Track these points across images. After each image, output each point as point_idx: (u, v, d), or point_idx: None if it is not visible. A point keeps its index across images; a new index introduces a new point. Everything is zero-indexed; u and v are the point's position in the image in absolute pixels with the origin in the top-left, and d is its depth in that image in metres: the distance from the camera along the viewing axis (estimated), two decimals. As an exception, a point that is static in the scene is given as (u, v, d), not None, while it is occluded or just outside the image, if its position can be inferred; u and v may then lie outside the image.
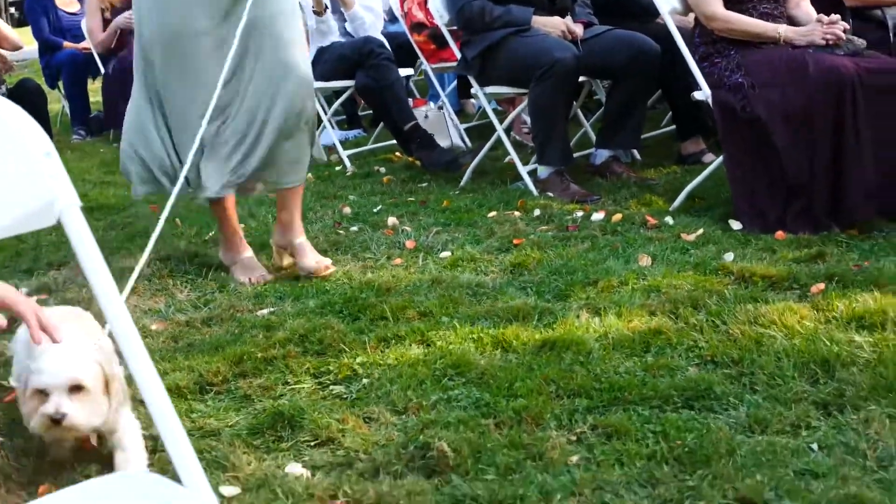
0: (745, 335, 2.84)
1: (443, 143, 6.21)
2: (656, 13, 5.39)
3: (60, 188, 1.24)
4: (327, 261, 3.84)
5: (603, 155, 5.55)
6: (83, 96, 9.02)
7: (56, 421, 2.07)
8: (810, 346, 2.70)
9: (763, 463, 2.15)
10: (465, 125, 7.09)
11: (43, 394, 2.09)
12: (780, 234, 3.93)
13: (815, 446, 2.22)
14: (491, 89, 5.41)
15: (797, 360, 2.64)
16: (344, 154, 6.30)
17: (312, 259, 3.81)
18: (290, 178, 3.80)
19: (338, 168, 6.24)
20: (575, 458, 2.24)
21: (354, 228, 4.56)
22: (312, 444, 2.41)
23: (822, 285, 3.21)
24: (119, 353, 1.84)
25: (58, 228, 3.91)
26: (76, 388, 2.10)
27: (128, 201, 5.47)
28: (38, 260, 4.32)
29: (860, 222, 3.95)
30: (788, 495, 2.02)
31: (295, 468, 2.27)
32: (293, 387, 2.74)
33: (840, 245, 3.75)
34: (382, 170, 6.01)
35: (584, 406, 2.48)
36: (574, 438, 2.34)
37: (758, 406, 2.43)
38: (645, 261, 3.69)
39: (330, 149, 6.54)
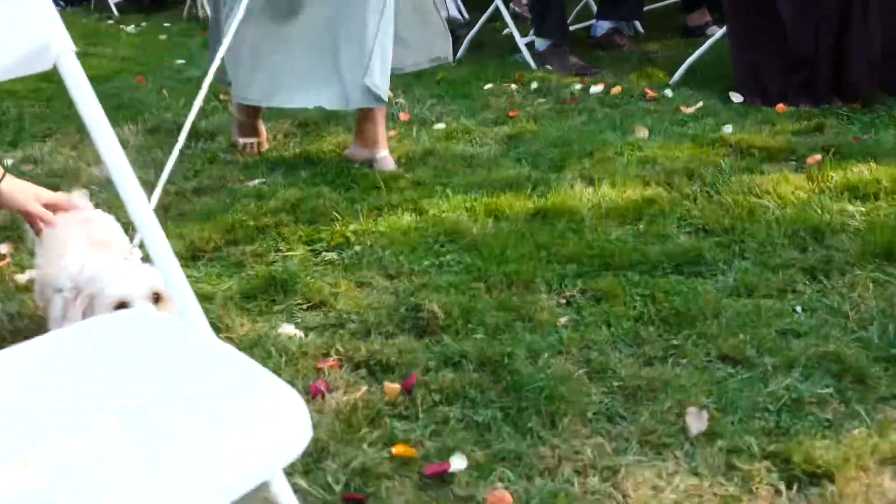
0: (738, 204, 2.95)
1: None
2: None
3: (56, 32, 1.30)
4: None
5: (604, 27, 5.57)
6: (61, -36, 8.92)
7: None
8: (802, 215, 2.82)
9: (747, 324, 2.28)
10: (463, -4, 7.05)
11: (121, 308, 1.84)
12: (780, 106, 4.00)
13: (799, 308, 2.35)
14: (489, -44, 5.39)
15: (788, 228, 2.75)
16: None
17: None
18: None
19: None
20: (563, 320, 2.36)
21: (347, 101, 4.61)
22: (305, 307, 2.53)
23: (818, 156, 3.31)
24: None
25: (41, 100, 3.95)
26: (157, 298, 1.90)
27: (112, 72, 5.52)
28: (22, 131, 4.38)
29: (863, 96, 4.02)
30: (769, 353, 2.15)
31: (288, 329, 2.40)
32: (285, 254, 2.85)
33: (841, 118, 3.84)
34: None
35: (575, 271, 2.60)
36: (563, 301, 2.47)
37: (746, 271, 2.55)
38: (642, 132, 3.77)
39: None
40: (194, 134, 4.13)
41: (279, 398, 1.04)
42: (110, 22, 7.94)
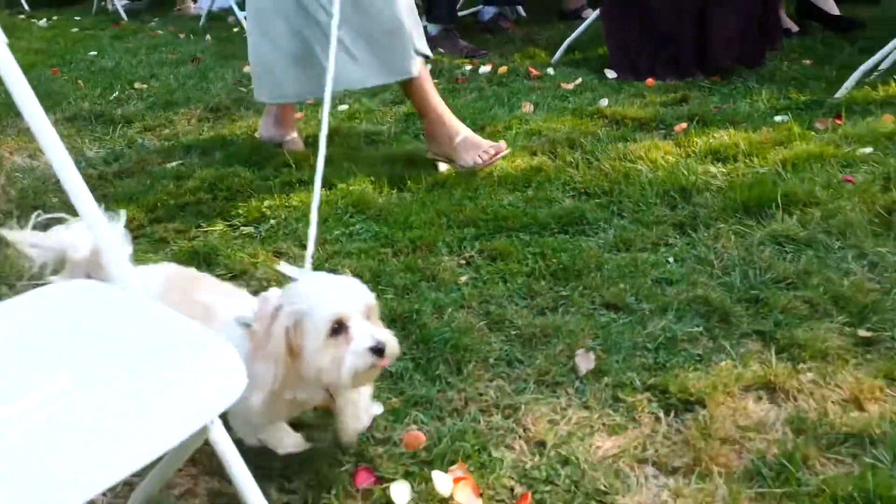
0: (615, 169, 3.04)
1: (337, 3, 6.15)
2: None
3: (-15, 26, 1.28)
4: (499, 144, 3.16)
5: (490, 12, 5.63)
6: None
7: (379, 351, 1.51)
8: (671, 177, 2.92)
9: (626, 274, 2.38)
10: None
11: (337, 328, 1.51)
12: (649, 81, 4.13)
13: (671, 259, 2.46)
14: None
15: (659, 188, 2.86)
16: (241, 15, 6.20)
17: (473, 154, 3.13)
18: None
19: (236, 30, 6.16)
20: (464, 278, 2.42)
21: (255, 86, 4.57)
22: (227, 276, 2.52)
23: (684, 124, 3.44)
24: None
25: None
26: (368, 313, 1.57)
27: (27, 64, 5.35)
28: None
29: (722, 70, 4.17)
30: (646, 299, 2.25)
31: (213, 298, 2.39)
32: (206, 229, 2.84)
33: (703, 90, 3.98)
34: (279, 30, 5.95)
35: (472, 234, 2.65)
36: (463, 262, 2.53)
37: (624, 229, 2.65)
38: (528, 108, 3.85)
39: (226, 11, 6.43)
40: (111, 121, 4.07)
41: (214, 350, 1.07)
42: (21, 16, 7.67)
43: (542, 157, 3.23)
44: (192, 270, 1.87)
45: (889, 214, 2.57)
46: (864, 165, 2.94)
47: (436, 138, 3.21)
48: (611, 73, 4.30)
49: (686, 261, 2.44)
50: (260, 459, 1.73)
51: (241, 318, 1.58)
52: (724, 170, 2.99)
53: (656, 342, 2.06)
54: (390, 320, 2.20)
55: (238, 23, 6.19)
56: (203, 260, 2.60)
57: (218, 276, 2.51)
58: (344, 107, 4.07)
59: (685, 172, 2.94)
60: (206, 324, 1.52)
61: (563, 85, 4.17)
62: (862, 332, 2.04)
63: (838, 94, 3.73)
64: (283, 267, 1.62)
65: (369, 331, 1.51)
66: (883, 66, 3.96)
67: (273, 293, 1.59)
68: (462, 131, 3.17)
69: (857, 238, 2.46)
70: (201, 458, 1.76)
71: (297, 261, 2.57)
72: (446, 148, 3.17)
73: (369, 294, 1.57)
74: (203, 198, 3.04)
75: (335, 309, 1.50)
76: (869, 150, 3.06)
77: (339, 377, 1.51)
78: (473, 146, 3.13)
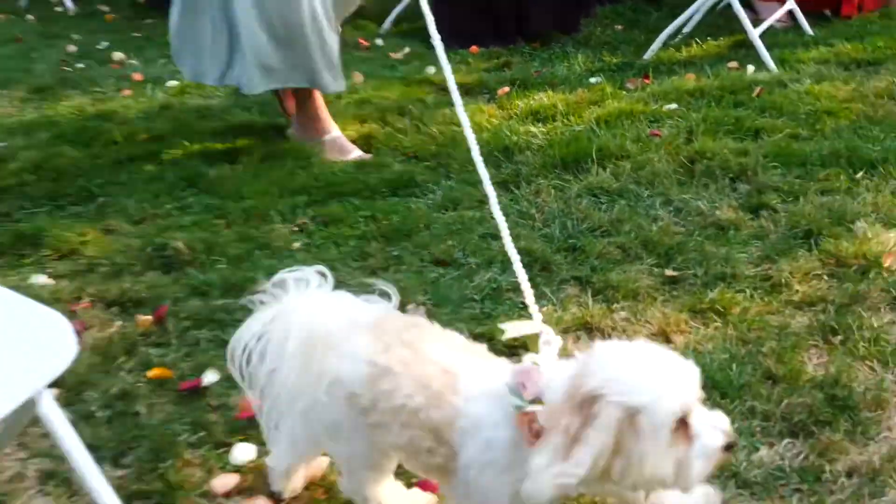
0: (442, 134, 3.05)
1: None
2: None
3: None
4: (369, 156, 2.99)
5: (319, -15, 5.52)
6: None
7: (730, 447, 1.19)
8: (495, 138, 2.96)
9: (454, 231, 2.39)
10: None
11: (679, 425, 1.15)
12: (474, 48, 4.15)
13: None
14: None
15: (484, 150, 2.86)
16: (65, -4, 5.86)
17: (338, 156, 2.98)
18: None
19: (58, 9, 5.81)
20: (297, 244, 2.38)
21: (81, 65, 4.34)
22: (55, 257, 2.39)
23: (507, 88, 3.49)
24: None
25: None
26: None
27: None
28: None
29: (542, 37, 4.24)
30: (473, 253, 2.27)
31: (39, 279, 2.26)
32: (31, 211, 2.67)
33: (524, 55, 4.04)
34: (105, 8, 5.67)
35: (305, 201, 2.61)
36: (296, 229, 2.48)
37: (451, 189, 2.66)
38: (358, 78, 3.80)
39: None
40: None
41: (40, 320, 1.01)
42: None
43: (372, 124, 3.21)
44: (397, 314, 1.51)
45: (692, 164, 2.69)
46: (670, 120, 3.06)
47: (307, 130, 3.08)
48: (437, 42, 4.31)
49: (510, 216, 2.47)
50: (95, 433, 1.66)
51: (513, 400, 1.22)
52: (543, 129, 3.05)
53: (483, 293, 2.09)
54: (224, 290, 2.14)
55: (62, 2, 5.84)
56: (29, 241, 2.45)
57: (45, 257, 2.39)
58: (174, 83, 3.90)
59: (508, 133, 2.99)
60: (450, 394, 1.27)
61: (392, 55, 4.15)
62: (669, 272, 2.13)
63: (646, 56, 3.86)
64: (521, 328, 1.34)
65: (714, 424, 1.18)
66: (685, 29, 4.12)
67: (530, 362, 1.25)
68: (333, 131, 3.06)
69: (664, 186, 2.56)
70: (30, 440, 1.67)
71: (128, 237, 2.47)
72: (315, 140, 3.04)
73: (695, 374, 1.19)
74: (27, 179, 2.86)
75: (681, 403, 1.15)
76: (674, 106, 3.18)
77: (685, 484, 1.17)
78: (340, 149, 3.00)
